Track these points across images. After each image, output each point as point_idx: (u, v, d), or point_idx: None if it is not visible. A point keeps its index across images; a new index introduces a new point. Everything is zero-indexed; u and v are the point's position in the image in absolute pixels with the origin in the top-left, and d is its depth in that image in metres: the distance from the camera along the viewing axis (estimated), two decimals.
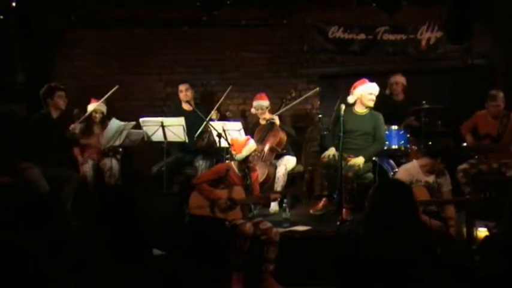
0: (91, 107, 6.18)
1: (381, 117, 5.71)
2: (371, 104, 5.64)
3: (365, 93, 5.63)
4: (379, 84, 5.74)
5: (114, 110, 6.37)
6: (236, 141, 5.05)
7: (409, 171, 4.78)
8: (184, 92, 6.53)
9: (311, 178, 6.67)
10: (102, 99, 6.10)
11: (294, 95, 6.49)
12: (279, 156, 6.07)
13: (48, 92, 5.57)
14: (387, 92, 6.51)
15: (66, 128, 5.65)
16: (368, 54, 7.15)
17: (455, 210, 4.77)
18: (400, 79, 6.49)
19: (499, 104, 5.76)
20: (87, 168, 5.97)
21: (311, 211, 5.59)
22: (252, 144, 4.89)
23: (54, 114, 5.59)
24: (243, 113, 7.30)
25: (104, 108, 6.28)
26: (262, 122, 6.20)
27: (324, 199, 5.64)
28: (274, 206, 5.72)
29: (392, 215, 2.55)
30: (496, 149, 5.73)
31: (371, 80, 5.72)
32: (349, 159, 5.49)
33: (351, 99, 5.68)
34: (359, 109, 5.70)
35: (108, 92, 6.03)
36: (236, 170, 4.88)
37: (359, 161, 5.45)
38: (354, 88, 5.68)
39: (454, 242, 4.59)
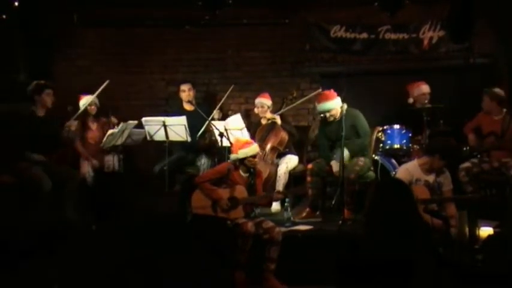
0: (83, 102, 6.12)
1: (357, 112, 5.63)
2: (331, 118, 5.59)
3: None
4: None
5: (115, 109, 6.35)
6: (237, 140, 5.03)
7: (408, 170, 4.77)
8: (187, 92, 6.51)
9: None
10: (95, 95, 5.97)
11: (295, 95, 6.48)
12: (281, 155, 6.07)
13: (36, 89, 5.53)
14: (410, 100, 6.25)
15: (61, 126, 5.61)
16: (370, 54, 7.14)
17: (457, 209, 4.76)
18: (426, 89, 6.21)
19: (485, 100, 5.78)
20: (87, 168, 5.97)
21: (293, 218, 5.40)
22: (250, 149, 4.81)
23: (40, 112, 5.55)
24: (247, 113, 7.28)
25: (97, 101, 6.20)
26: (264, 121, 6.20)
27: (307, 209, 5.60)
28: (276, 206, 5.72)
29: (391, 214, 2.55)
30: (499, 145, 5.69)
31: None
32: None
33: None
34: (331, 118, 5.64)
35: (99, 88, 5.93)
36: (240, 170, 4.87)
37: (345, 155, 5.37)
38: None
39: (455, 241, 4.57)
